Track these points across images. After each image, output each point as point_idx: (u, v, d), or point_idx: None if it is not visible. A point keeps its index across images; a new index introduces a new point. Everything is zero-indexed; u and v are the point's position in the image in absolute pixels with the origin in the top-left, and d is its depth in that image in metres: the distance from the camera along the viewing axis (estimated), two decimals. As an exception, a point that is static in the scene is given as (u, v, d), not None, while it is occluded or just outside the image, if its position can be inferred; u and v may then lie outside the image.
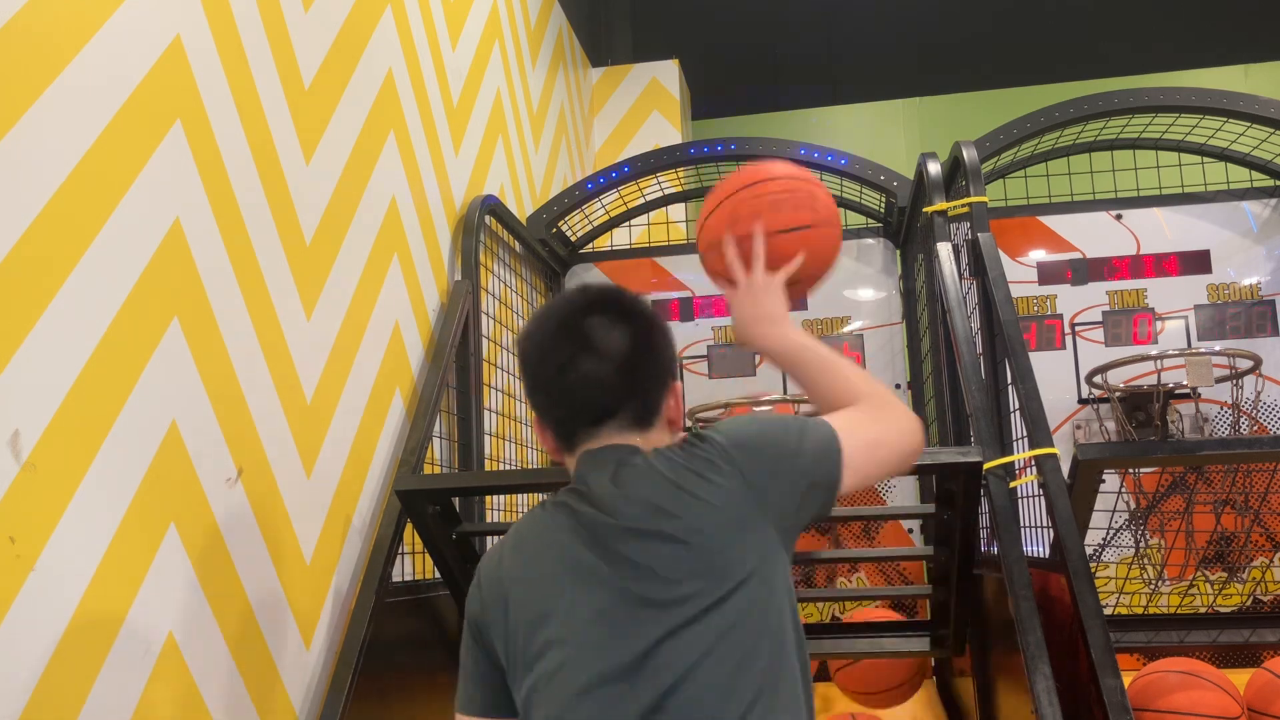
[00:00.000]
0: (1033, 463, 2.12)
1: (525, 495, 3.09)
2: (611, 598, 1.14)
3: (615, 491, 1.20)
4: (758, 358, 3.43)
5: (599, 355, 1.22)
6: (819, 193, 1.52)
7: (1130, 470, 2.81)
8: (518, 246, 3.37)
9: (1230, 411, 3.00)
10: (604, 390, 1.23)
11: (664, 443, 1.29)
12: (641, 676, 1.10)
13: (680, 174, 3.62)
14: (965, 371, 2.31)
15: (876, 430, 1.28)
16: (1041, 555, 2.14)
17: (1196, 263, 3.25)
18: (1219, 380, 2.87)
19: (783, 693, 1.13)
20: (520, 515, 3.07)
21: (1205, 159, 3.36)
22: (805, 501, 1.21)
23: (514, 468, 3.13)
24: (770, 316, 1.42)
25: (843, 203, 3.52)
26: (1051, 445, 2.09)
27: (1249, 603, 2.91)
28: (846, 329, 3.42)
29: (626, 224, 3.71)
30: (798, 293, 1.50)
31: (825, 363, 1.37)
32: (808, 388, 1.39)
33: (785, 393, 3.37)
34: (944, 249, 2.64)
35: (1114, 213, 3.32)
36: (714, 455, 1.20)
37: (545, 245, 3.46)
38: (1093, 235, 3.31)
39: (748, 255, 1.47)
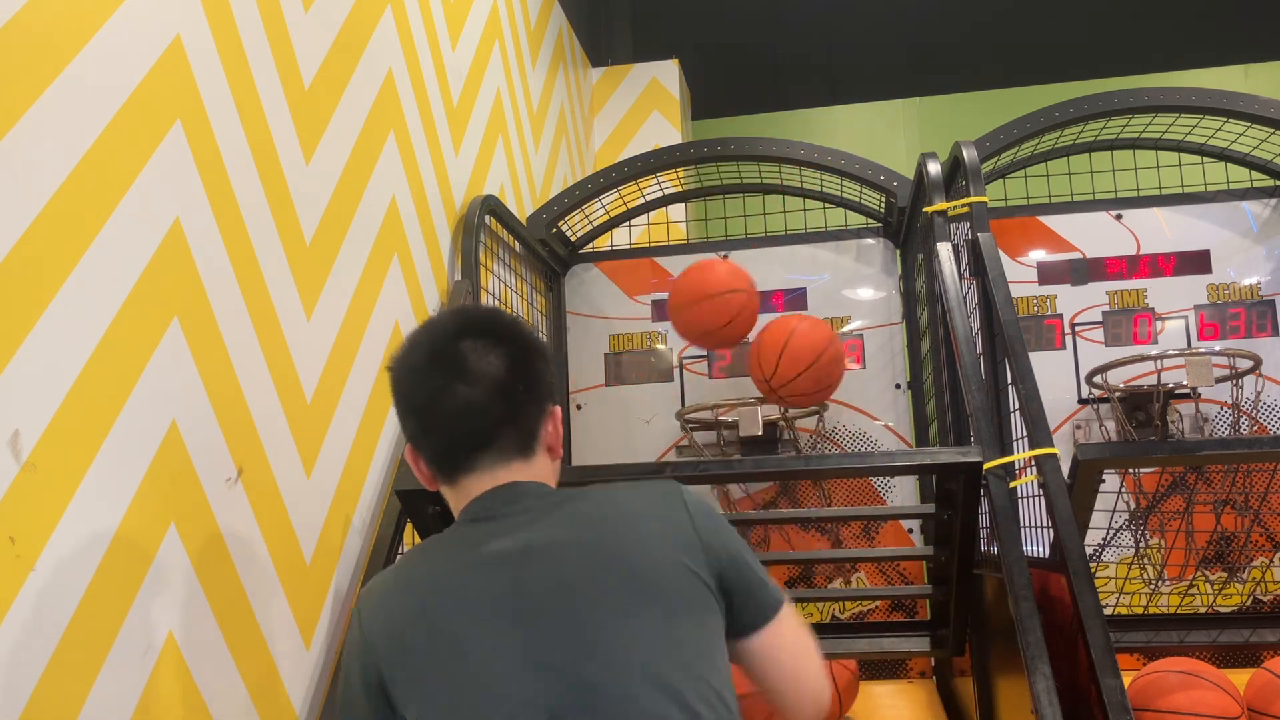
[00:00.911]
0: (1033, 463, 2.12)
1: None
2: (538, 632, 1.09)
3: (539, 528, 1.16)
4: None
5: (472, 379, 1.18)
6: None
7: (1130, 470, 2.81)
8: (518, 246, 3.37)
9: (1230, 411, 3.00)
10: (479, 417, 1.19)
11: (548, 469, 1.26)
12: (564, 706, 1.06)
13: (680, 174, 3.61)
14: (965, 371, 2.31)
15: (810, 647, 1.26)
16: (1041, 555, 2.14)
17: (1196, 263, 3.25)
18: (1219, 380, 2.87)
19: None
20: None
21: (1205, 159, 3.36)
22: (729, 605, 1.19)
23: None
24: None
25: (843, 203, 3.52)
26: (1051, 445, 2.09)
27: (1249, 603, 2.91)
28: (846, 329, 3.42)
29: (626, 224, 3.71)
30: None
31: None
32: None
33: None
34: (944, 249, 2.64)
35: (1114, 213, 3.32)
36: (673, 510, 1.19)
37: (545, 245, 3.46)
38: (1093, 235, 3.31)
39: None
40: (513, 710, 1.07)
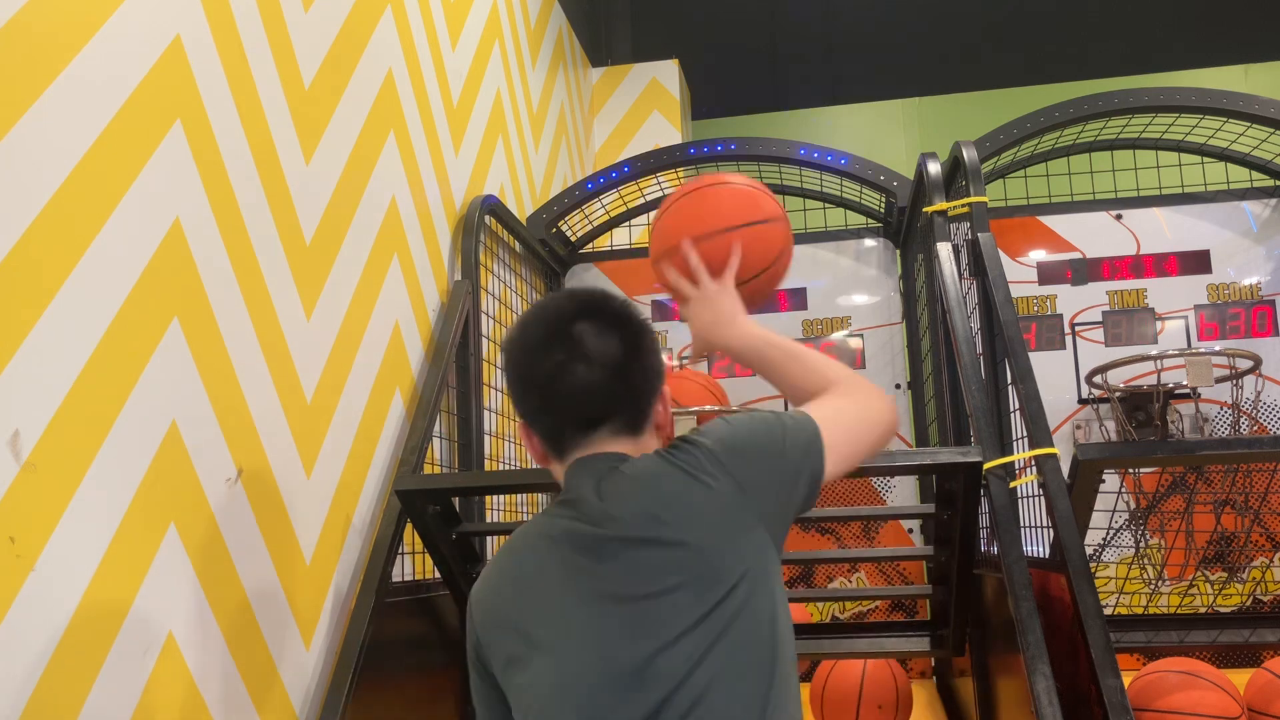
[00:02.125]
0: (1033, 463, 2.12)
1: (525, 495, 3.09)
2: (604, 610, 1.13)
3: (602, 502, 1.19)
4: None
5: (590, 362, 1.21)
6: (760, 194, 1.54)
7: (1130, 470, 2.81)
8: (518, 246, 3.37)
9: (1230, 411, 3.00)
10: (595, 397, 1.22)
11: (654, 446, 1.29)
12: (639, 687, 1.09)
13: (680, 174, 3.62)
14: (965, 371, 2.31)
15: (853, 414, 1.30)
16: (1041, 555, 2.14)
17: (1196, 263, 3.25)
18: (1219, 380, 2.87)
19: (778, 691, 1.13)
20: (521, 517, 3.08)
21: (1205, 159, 3.36)
22: (793, 497, 1.22)
23: (514, 468, 3.13)
24: (726, 318, 1.43)
25: (842, 203, 3.52)
26: (1051, 445, 2.09)
27: (1249, 603, 2.91)
28: (846, 329, 3.42)
29: (626, 224, 3.71)
30: (758, 290, 1.51)
31: (791, 354, 1.38)
32: (777, 381, 1.40)
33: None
34: (944, 249, 2.64)
35: (1114, 213, 3.32)
36: (702, 459, 1.19)
37: (545, 245, 3.46)
38: (1093, 235, 3.31)
39: (684, 267, 1.48)
40: (587, 692, 1.11)
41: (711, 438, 1.22)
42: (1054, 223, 3.35)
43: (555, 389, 1.22)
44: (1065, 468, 2.06)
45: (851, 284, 3.47)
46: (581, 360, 1.21)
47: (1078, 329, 3.26)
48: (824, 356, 1.39)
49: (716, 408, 3.09)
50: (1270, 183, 3.31)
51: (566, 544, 1.19)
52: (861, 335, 3.40)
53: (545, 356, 1.23)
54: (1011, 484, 2.17)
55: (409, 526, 2.23)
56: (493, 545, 2.87)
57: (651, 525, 1.15)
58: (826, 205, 3.56)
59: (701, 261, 1.47)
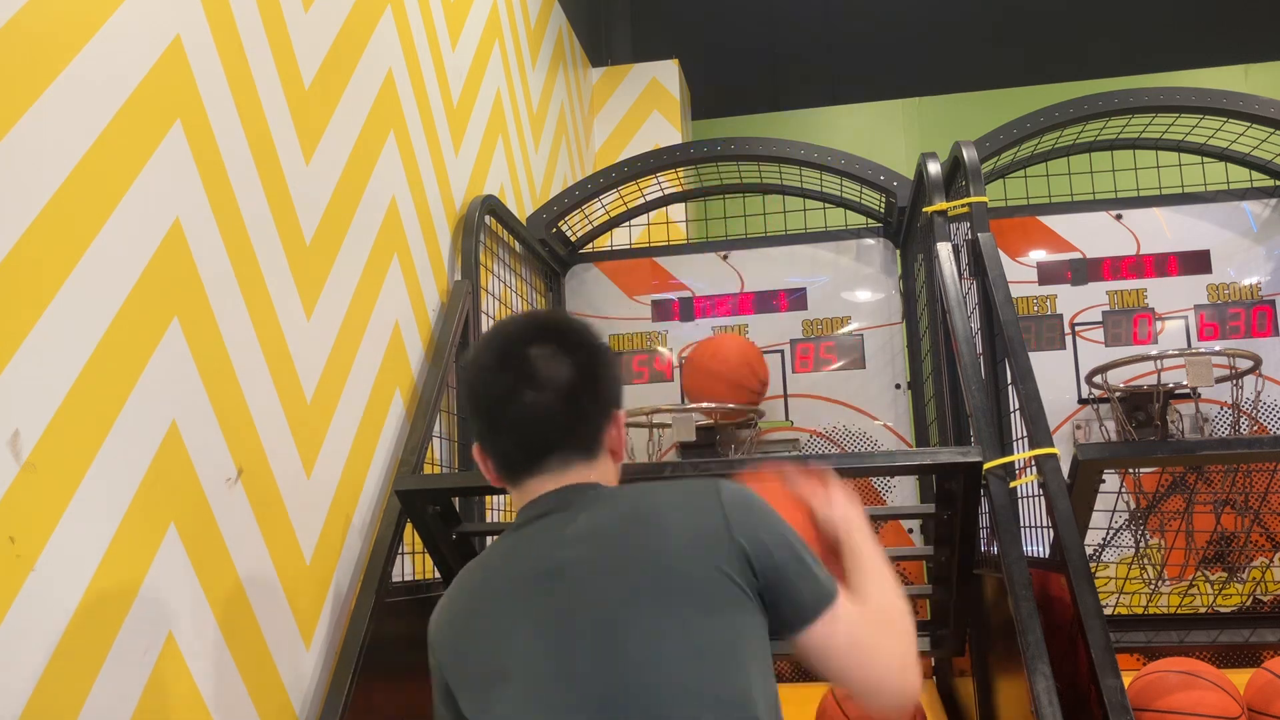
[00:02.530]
0: (1033, 463, 2.12)
1: (525, 495, 3.08)
2: (572, 635, 1.12)
3: (570, 532, 1.18)
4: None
5: (541, 387, 1.20)
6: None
7: (1130, 470, 2.81)
8: (518, 246, 3.37)
9: (1230, 411, 3.00)
10: (546, 423, 1.22)
11: (610, 471, 1.28)
12: (612, 711, 1.08)
13: (680, 174, 3.62)
14: (965, 371, 2.31)
15: (873, 638, 1.18)
16: (1041, 555, 2.14)
17: (1196, 263, 3.25)
18: (1219, 380, 2.87)
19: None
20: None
21: (1205, 159, 3.36)
22: (768, 608, 1.16)
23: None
24: (868, 528, 1.38)
25: (842, 203, 3.52)
26: (1051, 445, 2.09)
27: (1249, 603, 2.91)
28: (846, 329, 3.42)
29: (626, 224, 3.71)
30: None
31: (887, 576, 1.29)
32: (856, 578, 1.30)
33: (785, 394, 3.37)
34: (944, 249, 2.64)
35: (1114, 213, 3.32)
36: (708, 507, 1.18)
37: (545, 245, 3.46)
38: (1093, 235, 3.31)
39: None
40: (546, 715, 1.10)
41: (731, 491, 1.20)
42: (1054, 223, 3.34)
43: (504, 414, 1.22)
44: (1065, 468, 2.06)
45: (851, 284, 3.47)
46: (530, 385, 1.21)
47: (1078, 329, 3.26)
48: (900, 598, 1.27)
49: (722, 405, 3.10)
50: (1270, 183, 3.31)
51: (527, 572, 1.18)
52: (861, 335, 3.40)
53: (495, 380, 1.22)
54: (1011, 484, 2.17)
55: (409, 526, 2.23)
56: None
57: (623, 552, 1.14)
58: (826, 205, 3.56)
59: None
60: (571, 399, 1.22)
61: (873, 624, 1.20)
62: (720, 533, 1.16)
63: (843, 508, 1.38)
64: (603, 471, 1.27)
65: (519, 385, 1.21)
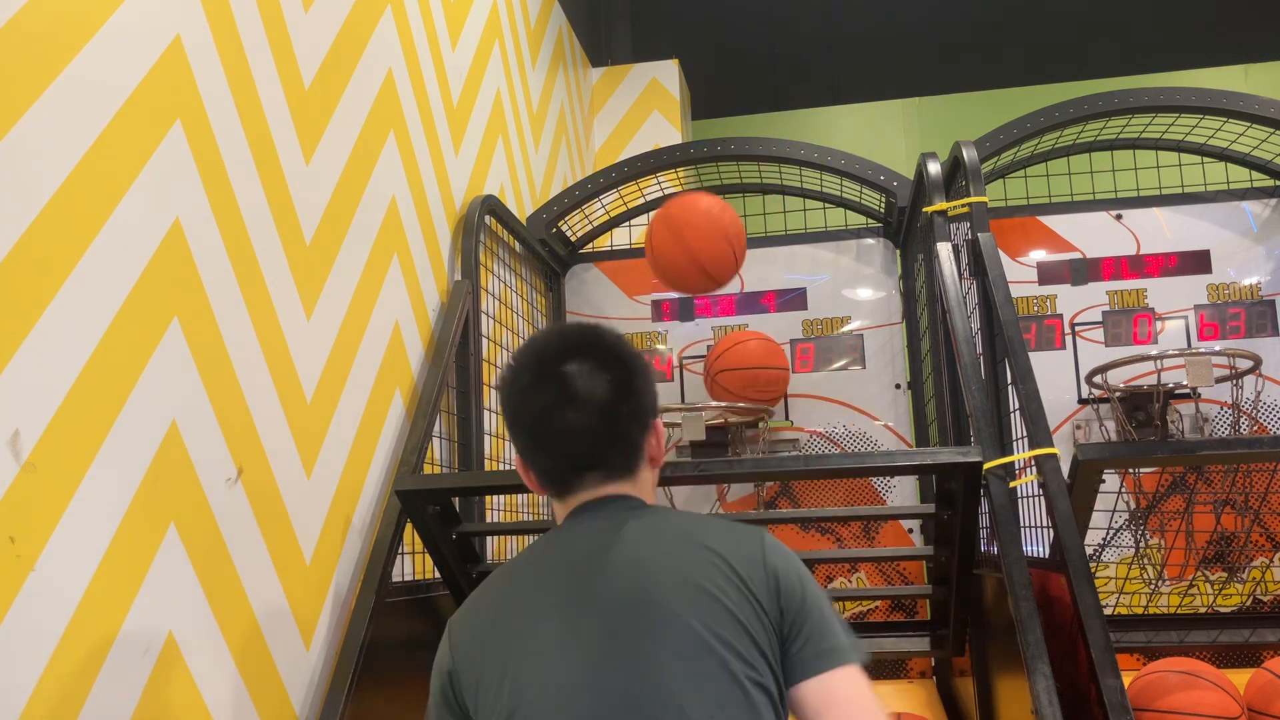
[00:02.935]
0: (1033, 463, 2.12)
1: (525, 495, 3.09)
2: (595, 648, 1.12)
3: (622, 555, 1.18)
4: None
5: (580, 403, 1.21)
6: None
7: (1130, 470, 2.81)
8: (518, 246, 3.37)
9: (1230, 411, 3.00)
10: (586, 439, 1.23)
11: (648, 481, 1.30)
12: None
13: (680, 174, 3.62)
14: (965, 371, 2.31)
15: (867, 711, 1.15)
16: (1041, 555, 2.14)
17: (1196, 263, 3.25)
18: (1219, 380, 2.87)
19: None
20: (521, 517, 3.08)
21: (1205, 159, 3.36)
22: (789, 637, 1.16)
23: (514, 468, 3.13)
24: None
25: (842, 203, 3.52)
26: (1051, 445, 2.09)
27: (1249, 603, 2.91)
28: (846, 329, 3.42)
29: (626, 224, 3.71)
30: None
31: None
32: None
33: (785, 394, 3.37)
34: (944, 249, 2.64)
35: (1114, 213, 3.32)
36: (750, 537, 1.19)
37: (545, 245, 3.46)
38: (1093, 235, 3.31)
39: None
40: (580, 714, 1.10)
41: (771, 544, 1.20)
42: (1054, 223, 3.34)
43: (544, 431, 1.23)
44: (1065, 468, 2.06)
45: (851, 284, 3.47)
46: (569, 403, 1.22)
47: (1078, 329, 3.26)
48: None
49: (732, 404, 3.10)
50: (1270, 183, 3.30)
51: (558, 581, 1.19)
52: (861, 335, 3.40)
53: (534, 398, 1.24)
54: (1011, 484, 2.17)
55: (409, 526, 2.23)
56: (492, 545, 2.87)
57: (650, 574, 1.15)
58: (826, 205, 3.56)
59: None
60: (611, 414, 1.23)
61: (869, 697, 1.17)
62: (757, 565, 1.17)
63: None
64: (643, 481, 1.29)
65: (558, 404, 1.22)
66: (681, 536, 1.20)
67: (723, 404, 3.08)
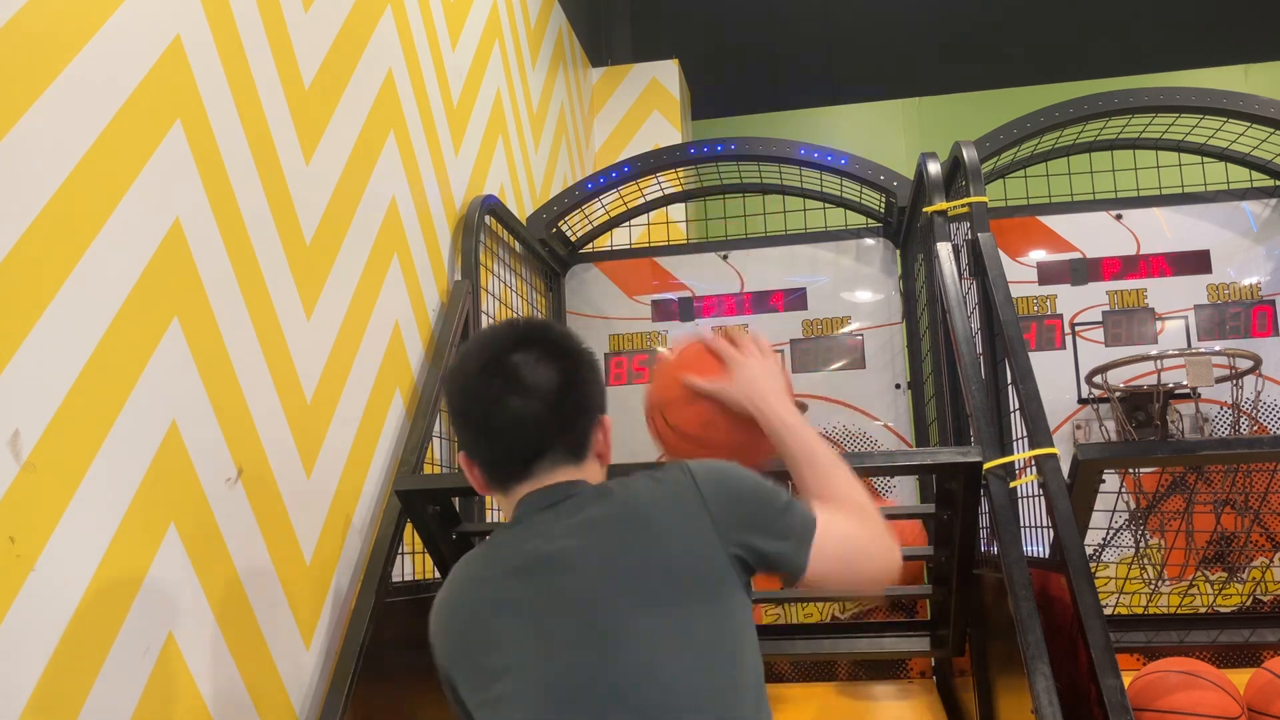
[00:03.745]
0: (1033, 463, 2.12)
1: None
2: (563, 631, 1.13)
3: (562, 525, 1.19)
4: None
5: (525, 394, 1.21)
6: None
7: (1130, 470, 2.81)
8: (518, 246, 3.37)
9: (1230, 411, 3.00)
10: (532, 429, 1.22)
11: (597, 476, 1.29)
12: (592, 704, 1.09)
13: (680, 174, 3.61)
14: (965, 371, 2.31)
15: (857, 539, 1.27)
16: (1041, 555, 2.14)
17: (1196, 263, 3.25)
18: (1219, 380, 2.87)
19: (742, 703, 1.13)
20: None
21: (1205, 159, 3.36)
22: (759, 562, 1.20)
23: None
24: (788, 397, 1.44)
25: (842, 203, 3.52)
26: (1051, 445, 2.09)
27: (1249, 603, 2.91)
28: (846, 329, 3.42)
29: (626, 224, 3.71)
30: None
31: (811, 456, 1.37)
32: (804, 474, 1.38)
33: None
34: (944, 249, 2.64)
35: (1114, 213, 3.32)
36: (684, 489, 1.19)
37: (545, 245, 3.46)
38: (1093, 235, 3.31)
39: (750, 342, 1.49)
40: (535, 711, 1.11)
41: (700, 471, 1.22)
42: (1054, 223, 3.34)
43: (491, 422, 1.23)
44: (1065, 468, 2.06)
45: (851, 284, 3.47)
46: (516, 392, 1.21)
47: (1078, 329, 3.26)
48: (848, 477, 1.36)
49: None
50: (1270, 183, 3.30)
51: (518, 569, 1.19)
52: (861, 335, 3.40)
53: (481, 388, 1.23)
54: (1011, 484, 2.17)
55: (409, 526, 2.23)
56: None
57: (609, 548, 1.16)
58: (826, 205, 3.56)
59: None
60: (557, 404, 1.23)
61: (850, 525, 1.27)
62: (697, 511, 1.18)
63: (753, 372, 1.44)
64: (589, 475, 1.28)
65: (504, 392, 1.21)
66: (629, 508, 1.20)
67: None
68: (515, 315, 3.33)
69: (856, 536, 1.27)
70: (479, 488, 1.31)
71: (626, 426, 3.63)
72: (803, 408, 3.24)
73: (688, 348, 1.57)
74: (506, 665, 1.14)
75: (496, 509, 2.89)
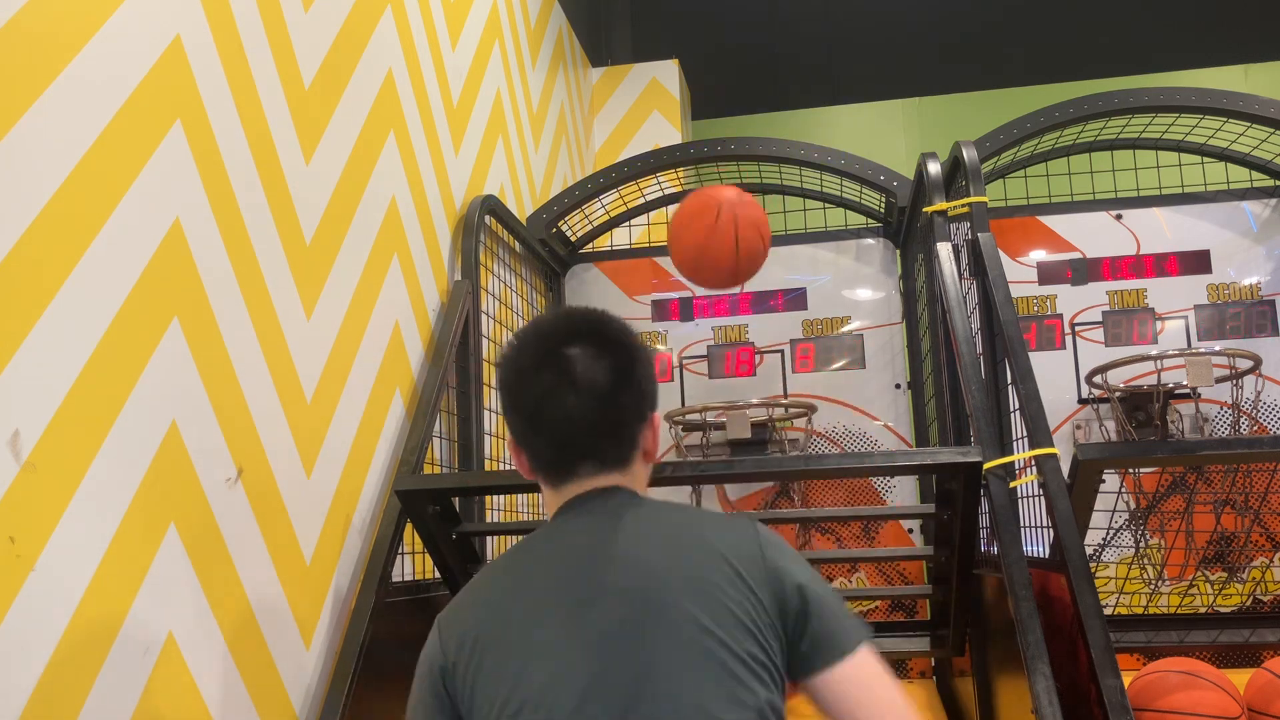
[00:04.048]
0: (1033, 463, 2.12)
1: (525, 495, 3.09)
2: (597, 645, 1.11)
3: (620, 548, 1.17)
4: (759, 358, 3.43)
5: (579, 389, 1.19)
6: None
7: (1130, 470, 2.81)
8: (518, 246, 3.37)
9: (1230, 411, 3.00)
10: (582, 426, 1.21)
11: (643, 474, 1.28)
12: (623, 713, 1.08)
13: (680, 174, 3.61)
14: (965, 371, 2.31)
15: (893, 685, 1.16)
16: (1041, 555, 2.14)
17: (1196, 263, 3.25)
18: (1219, 380, 2.87)
19: None
20: (521, 517, 3.08)
21: (1205, 159, 3.36)
22: (804, 638, 1.15)
23: (514, 468, 3.13)
24: None
25: (842, 203, 3.52)
26: (1051, 445, 2.09)
27: (1249, 603, 2.91)
28: (846, 329, 3.42)
29: (626, 224, 3.71)
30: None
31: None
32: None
33: (785, 395, 3.37)
34: (944, 249, 2.64)
35: (1114, 213, 3.32)
36: (746, 530, 1.18)
37: (545, 245, 3.46)
38: (1093, 235, 3.31)
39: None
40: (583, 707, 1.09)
41: (772, 541, 1.19)
42: (1054, 223, 3.35)
43: (542, 415, 1.21)
44: (1065, 468, 2.06)
45: (851, 284, 3.47)
46: (569, 387, 1.20)
47: (1078, 329, 3.26)
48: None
49: (775, 402, 3.09)
50: (1270, 183, 3.31)
51: (554, 574, 1.17)
52: (861, 335, 3.40)
53: (534, 380, 1.21)
54: (1011, 484, 2.17)
55: (409, 526, 2.23)
56: (492, 545, 2.87)
57: (648, 564, 1.15)
58: (826, 205, 3.56)
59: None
60: (610, 402, 1.21)
61: (886, 676, 1.18)
62: (756, 562, 1.16)
63: None
64: (637, 475, 1.27)
65: (559, 387, 1.20)
66: (679, 531, 1.19)
67: (765, 401, 3.08)
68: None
69: (891, 693, 1.16)
70: (525, 473, 1.29)
71: (626, 426, 3.61)
72: (811, 409, 3.23)
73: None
74: (537, 683, 1.12)
75: (497, 509, 2.89)
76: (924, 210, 2.85)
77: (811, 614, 1.16)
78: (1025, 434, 2.17)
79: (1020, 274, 3.29)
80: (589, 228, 3.65)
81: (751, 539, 1.19)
